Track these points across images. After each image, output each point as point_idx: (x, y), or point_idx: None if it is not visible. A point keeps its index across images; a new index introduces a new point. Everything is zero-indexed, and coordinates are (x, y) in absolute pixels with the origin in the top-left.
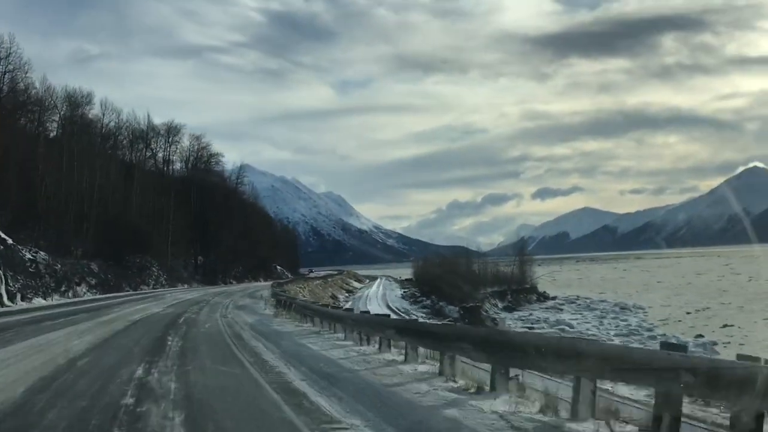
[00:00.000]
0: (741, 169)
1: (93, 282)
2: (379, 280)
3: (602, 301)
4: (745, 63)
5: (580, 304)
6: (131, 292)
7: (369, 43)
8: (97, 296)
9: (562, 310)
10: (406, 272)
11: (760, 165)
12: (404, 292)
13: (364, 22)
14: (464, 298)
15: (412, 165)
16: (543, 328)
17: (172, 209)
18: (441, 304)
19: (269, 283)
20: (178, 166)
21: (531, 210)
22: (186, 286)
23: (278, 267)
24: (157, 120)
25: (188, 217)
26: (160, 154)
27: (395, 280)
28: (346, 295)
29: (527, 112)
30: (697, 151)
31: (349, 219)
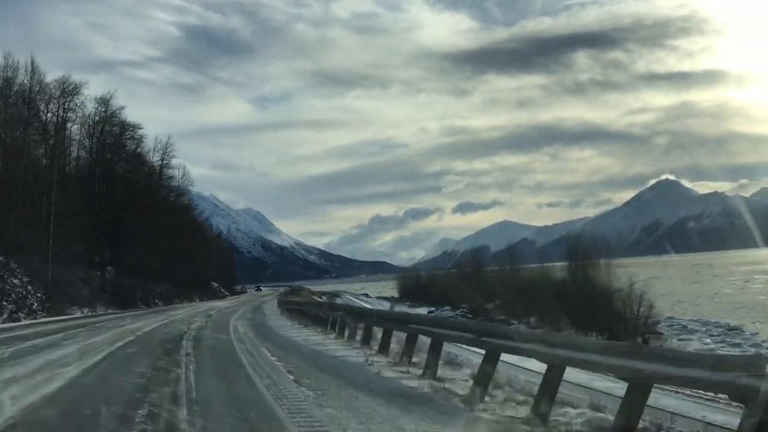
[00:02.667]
0: (653, 181)
1: None
2: (348, 297)
3: (694, 320)
4: (654, 79)
5: (703, 330)
6: None
7: (288, 59)
8: None
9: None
10: (349, 287)
11: (671, 177)
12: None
13: (283, 38)
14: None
15: (333, 180)
16: None
17: (55, 190)
18: None
19: (219, 303)
20: (77, 138)
21: (452, 224)
22: (87, 310)
23: (214, 283)
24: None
25: (91, 209)
26: (53, 118)
27: (362, 296)
28: None
29: (447, 127)
30: (610, 164)
31: (269, 236)
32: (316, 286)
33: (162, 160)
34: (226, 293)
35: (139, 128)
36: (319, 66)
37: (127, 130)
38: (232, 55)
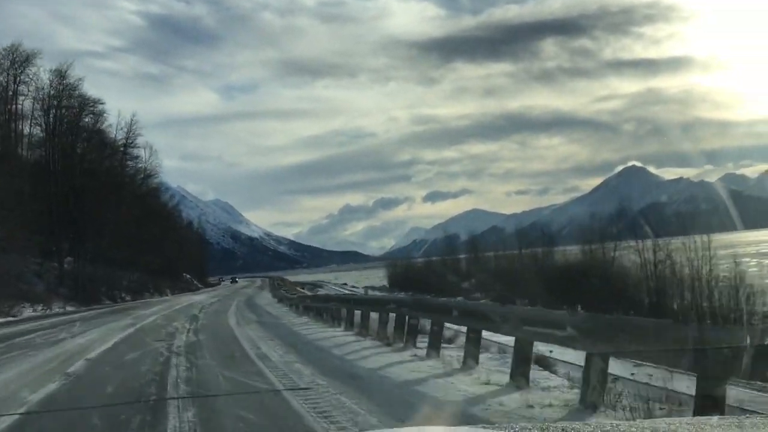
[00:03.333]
0: (620, 168)
1: None
2: (331, 287)
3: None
4: (620, 66)
5: None
6: None
7: (255, 48)
8: None
9: None
10: (323, 277)
11: (638, 164)
12: None
13: (249, 26)
14: None
15: (303, 170)
16: None
17: None
18: None
19: (197, 297)
20: (30, 113)
21: (422, 213)
22: (41, 308)
23: (187, 275)
24: None
25: (46, 191)
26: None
27: (341, 285)
28: None
29: (416, 116)
30: (577, 151)
31: (238, 227)
32: (290, 277)
33: (127, 138)
34: (200, 285)
35: (101, 103)
36: (287, 55)
37: (87, 105)
38: (197, 44)
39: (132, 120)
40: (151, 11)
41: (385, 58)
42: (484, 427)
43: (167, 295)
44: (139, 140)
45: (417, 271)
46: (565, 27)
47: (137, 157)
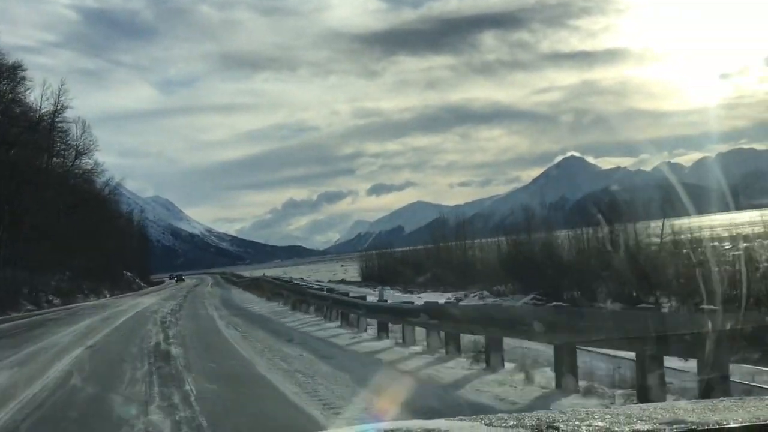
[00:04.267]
0: (559, 158)
1: None
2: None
3: None
4: (558, 58)
5: None
6: None
7: (193, 41)
8: None
9: None
10: (271, 273)
11: (576, 154)
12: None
13: (187, 20)
14: None
15: (244, 165)
16: None
17: None
18: None
19: (146, 300)
20: None
21: (366, 206)
22: None
23: (128, 273)
24: None
25: None
26: None
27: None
28: None
29: (358, 109)
30: (517, 143)
31: (179, 223)
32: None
33: (55, 110)
34: (143, 284)
35: (21, 69)
36: (226, 49)
37: (6, 72)
38: (133, 39)
39: (60, 89)
40: (86, 5)
41: (325, 52)
42: (460, 419)
43: (105, 297)
44: (69, 113)
45: (400, 262)
46: (503, 20)
47: (66, 131)
